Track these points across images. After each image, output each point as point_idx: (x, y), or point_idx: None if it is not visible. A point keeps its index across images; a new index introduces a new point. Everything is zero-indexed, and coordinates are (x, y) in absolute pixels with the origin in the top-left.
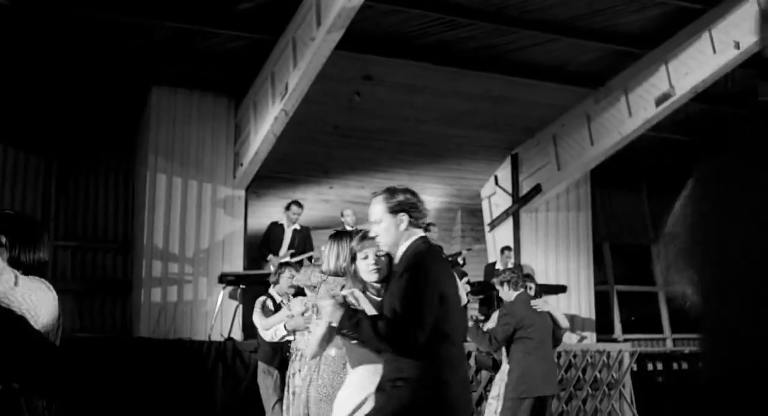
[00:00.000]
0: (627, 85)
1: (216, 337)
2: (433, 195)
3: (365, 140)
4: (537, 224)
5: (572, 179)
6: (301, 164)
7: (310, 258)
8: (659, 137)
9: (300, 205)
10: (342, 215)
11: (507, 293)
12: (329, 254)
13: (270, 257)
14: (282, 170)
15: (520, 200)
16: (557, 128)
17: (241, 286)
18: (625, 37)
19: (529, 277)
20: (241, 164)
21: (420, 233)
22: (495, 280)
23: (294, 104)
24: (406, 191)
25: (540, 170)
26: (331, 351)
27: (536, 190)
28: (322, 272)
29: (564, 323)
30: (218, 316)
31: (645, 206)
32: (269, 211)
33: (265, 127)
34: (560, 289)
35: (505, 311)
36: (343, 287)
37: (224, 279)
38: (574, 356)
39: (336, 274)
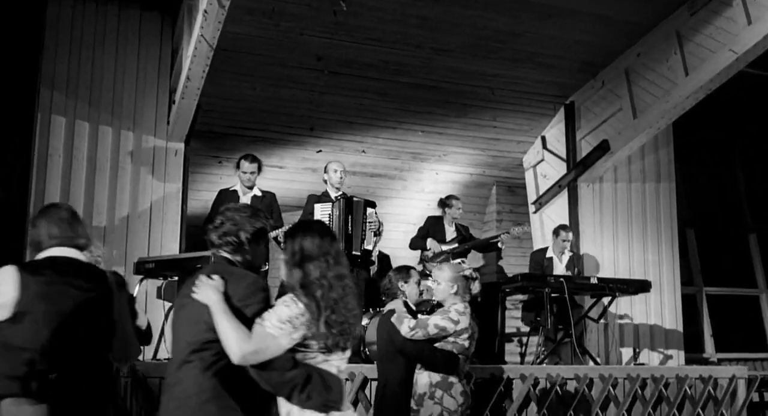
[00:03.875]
0: None
1: None
2: (458, 164)
3: (361, 78)
4: (601, 198)
5: (655, 129)
6: (276, 117)
7: (276, 238)
8: (762, 77)
9: (254, 159)
10: (325, 170)
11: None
12: None
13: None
14: (251, 126)
15: (578, 166)
16: (632, 59)
17: (169, 277)
18: None
19: None
20: (174, 102)
21: None
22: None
23: None
24: None
25: (606, 121)
26: None
27: (602, 148)
28: None
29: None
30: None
31: (740, 179)
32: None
33: (195, 34)
34: (641, 286)
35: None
36: None
37: (141, 267)
38: (666, 385)
39: None
